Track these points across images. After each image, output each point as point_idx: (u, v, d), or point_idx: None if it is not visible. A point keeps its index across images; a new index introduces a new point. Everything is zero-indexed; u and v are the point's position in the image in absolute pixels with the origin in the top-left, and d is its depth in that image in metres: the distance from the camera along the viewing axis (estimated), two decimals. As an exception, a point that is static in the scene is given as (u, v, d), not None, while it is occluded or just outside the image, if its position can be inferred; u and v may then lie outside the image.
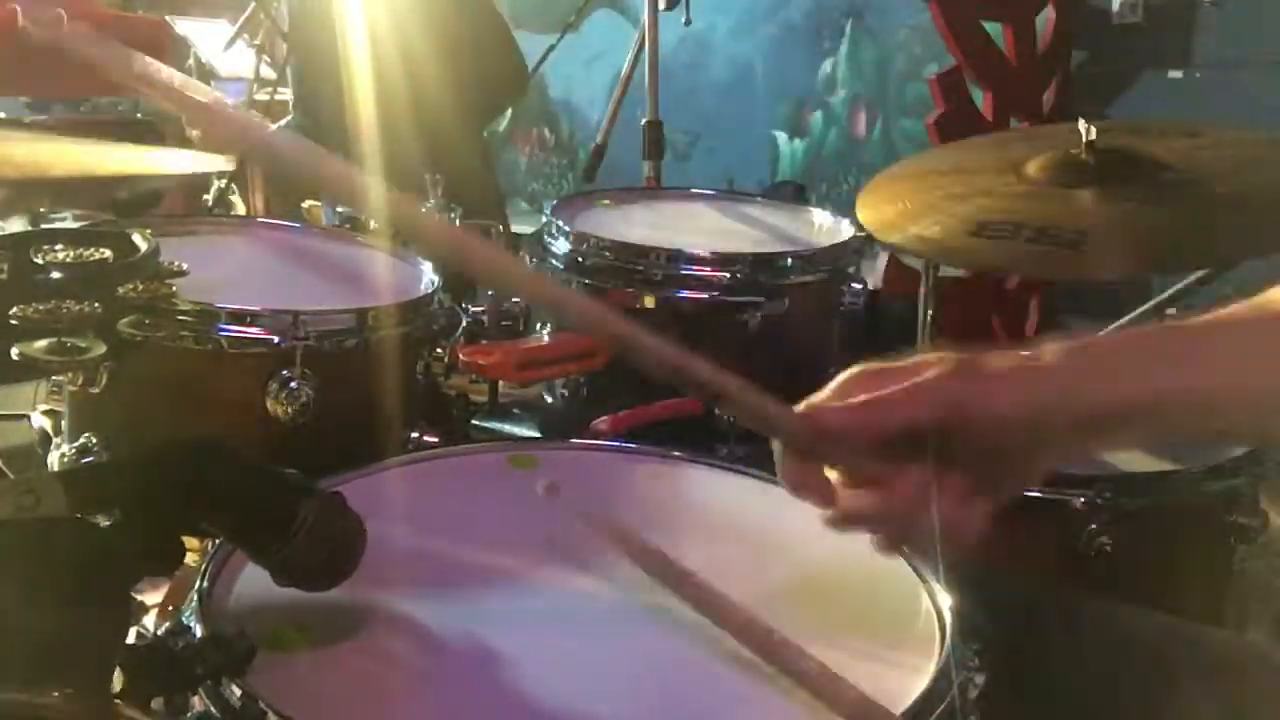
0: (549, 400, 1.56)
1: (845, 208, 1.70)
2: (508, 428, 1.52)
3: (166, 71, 0.77)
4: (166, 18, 3.08)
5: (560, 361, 1.42)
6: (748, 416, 0.78)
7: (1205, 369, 0.73)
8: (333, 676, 0.74)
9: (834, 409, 0.75)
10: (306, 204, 2.09)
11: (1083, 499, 1.18)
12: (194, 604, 0.78)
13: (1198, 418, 0.75)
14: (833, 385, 0.77)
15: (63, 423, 1.27)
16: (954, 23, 2.98)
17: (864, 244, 1.62)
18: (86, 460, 1.17)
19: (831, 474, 0.78)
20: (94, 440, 1.19)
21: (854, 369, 0.77)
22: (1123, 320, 2.74)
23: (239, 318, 1.15)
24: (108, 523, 0.66)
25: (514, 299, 1.48)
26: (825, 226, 1.72)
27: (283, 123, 2.46)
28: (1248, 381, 0.73)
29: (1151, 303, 2.75)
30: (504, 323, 1.50)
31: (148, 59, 0.74)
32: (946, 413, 0.72)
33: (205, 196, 2.65)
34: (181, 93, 0.78)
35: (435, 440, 1.23)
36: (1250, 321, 0.75)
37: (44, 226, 1.88)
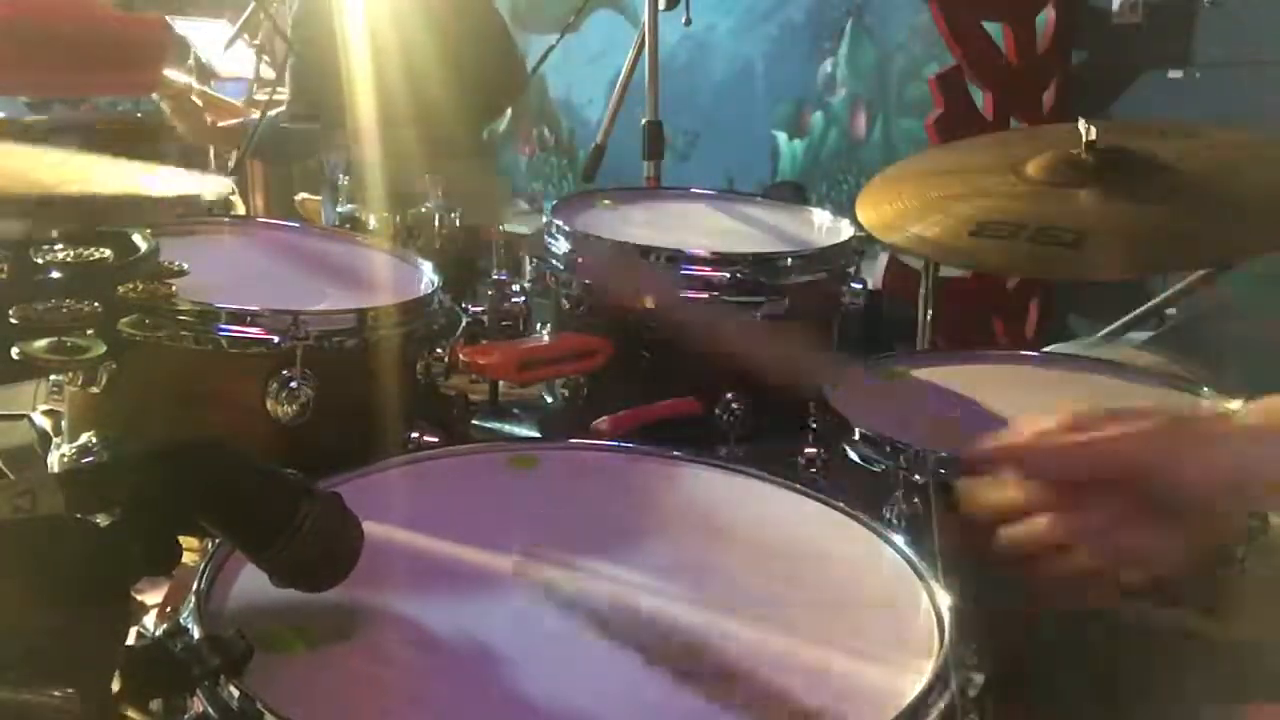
0: (549, 400, 1.56)
1: (845, 208, 1.70)
2: (508, 428, 1.52)
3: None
4: (166, 18, 3.07)
5: (560, 361, 1.42)
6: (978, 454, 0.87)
7: None
8: (331, 677, 0.74)
9: (1050, 444, 0.82)
10: (300, 196, 2.09)
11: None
12: (192, 605, 0.78)
13: None
14: (1054, 419, 0.84)
15: (63, 423, 1.27)
16: (954, 23, 2.98)
17: (864, 244, 1.62)
18: (86, 460, 1.17)
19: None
20: (94, 440, 1.18)
21: (1076, 411, 0.84)
22: (1123, 320, 2.75)
23: (239, 318, 1.15)
24: (107, 523, 0.66)
25: (514, 298, 1.48)
26: (825, 226, 1.72)
27: (274, 112, 2.45)
28: None
29: (1151, 303, 2.76)
30: (504, 323, 1.50)
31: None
32: (1153, 461, 0.79)
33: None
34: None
35: (435, 440, 1.23)
36: None
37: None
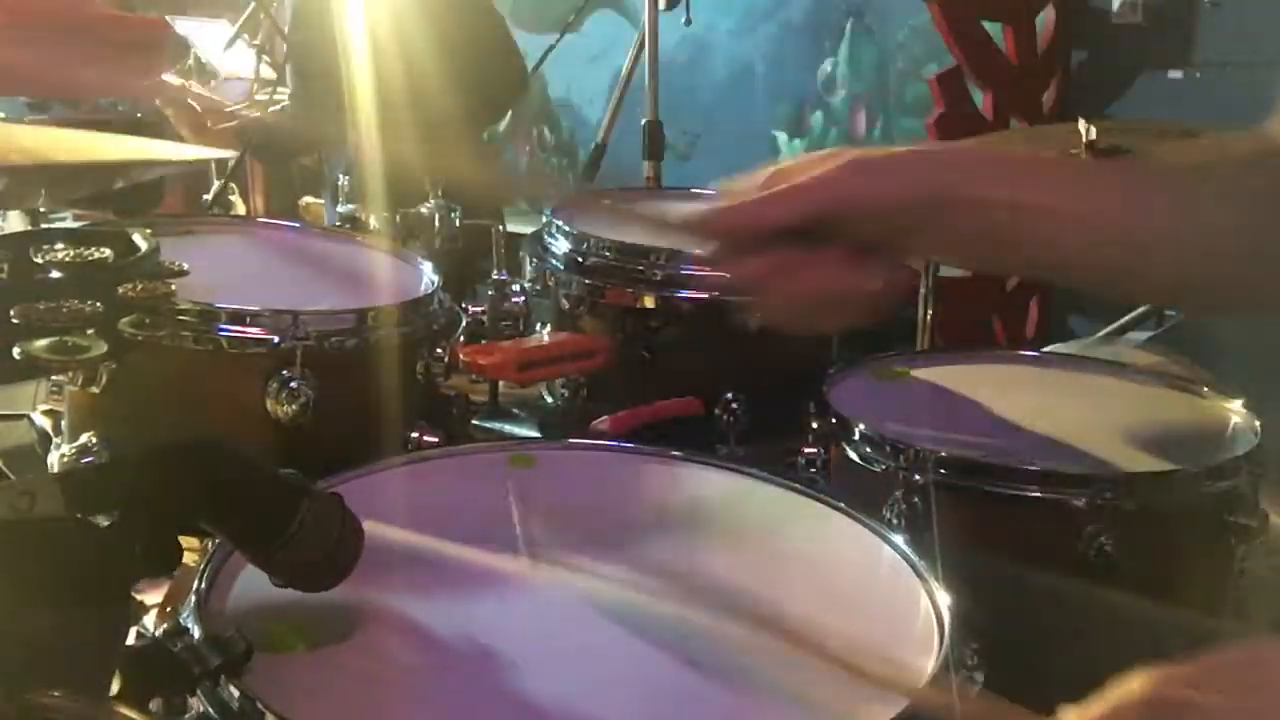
0: (549, 400, 1.56)
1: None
2: (508, 428, 1.52)
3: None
4: (166, 18, 3.07)
5: (560, 361, 1.42)
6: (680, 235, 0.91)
7: (1042, 191, 0.82)
8: (331, 677, 0.74)
9: (739, 204, 0.84)
10: (305, 201, 2.09)
11: (1083, 499, 1.18)
12: (192, 605, 0.78)
13: (1039, 232, 0.82)
14: (756, 178, 0.86)
15: (63, 423, 1.27)
16: (954, 23, 2.98)
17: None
18: (86, 460, 1.17)
19: None
20: (94, 440, 1.18)
21: (770, 170, 0.86)
22: (1123, 320, 2.75)
23: (239, 318, 1.15)
24: (107, 523, 0.66)
25: (514, 298, 1.48)
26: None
27: (275, 108, 2.46)
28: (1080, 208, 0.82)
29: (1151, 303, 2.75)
30: (504, 323, 1.50)
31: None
32: (837, 205, 0.81)
33: (205, 196, 2.65)
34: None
35: (435, 440, 1.23)
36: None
37: (44, 226, 1.88)
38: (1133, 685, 0.65)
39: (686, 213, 0.89)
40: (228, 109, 2.71)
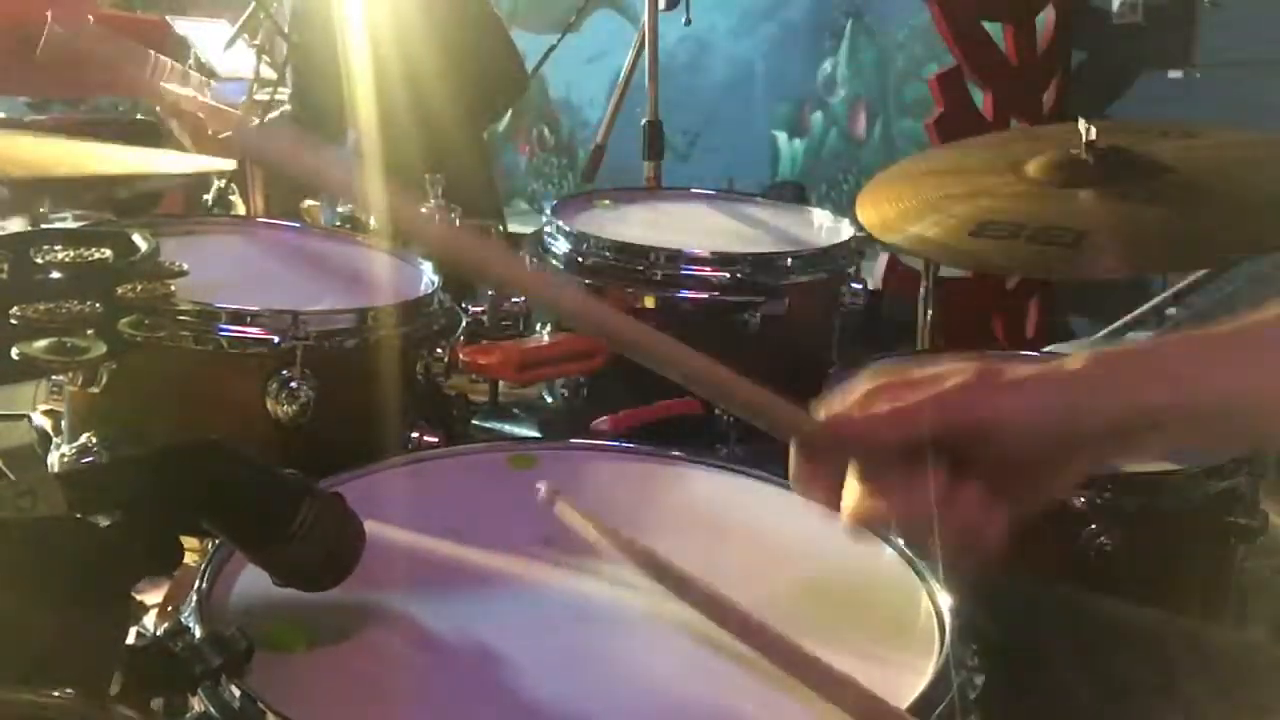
0: (549, 400, 1.56)
1: (845, 208, 1.70)
2: (508, 428, 1.52)
3: (178, 72, 0.78)
4: (166, 18, 3.07)
5: (560, 361, 1.42)
6: (761, 419, 0.77)
7: (1233, 373, 0.73)
8: (332, 676, 0.74)
9: (856, 419, 0.74)
10: (306, 204, 2.09)
11: (1083, 499, 1.18)
12: (193, 604, 0.78)
13: (1224, 422, 0.74)
14: (857, 393, 0.76)
15: (63, 423, 1.27)
16: (954, 23, 2.98)
17: (864, 244, 1.62)
18: (86, 460, 1.17)
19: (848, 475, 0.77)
20: (94, 440, 1.18)
21: (879, 379, 0.77)
22: (1123, 320, 2.75)
23: (239, 318, 1.15)
24: (107, 523, 0.66)
25: (514, 298, 1.48)
26: (825, 226, 1.72)
27: (276, 113, 2.46)
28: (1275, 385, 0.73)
29: (1151, 303, 2.76)
30: (504, 323, 1.50)
31: (162, 60, 0.75)
32: (966, 425, 0.72)
33: (205, 196, 2.65)
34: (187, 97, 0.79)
35: (435, 440, 1.23)
36: (1274, 325, 0.74)
37: (44, 226, 1.88)
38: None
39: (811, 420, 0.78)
40: (229, 111, 2.71)
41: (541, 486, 0.88)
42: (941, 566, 0.82)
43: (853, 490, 0.76)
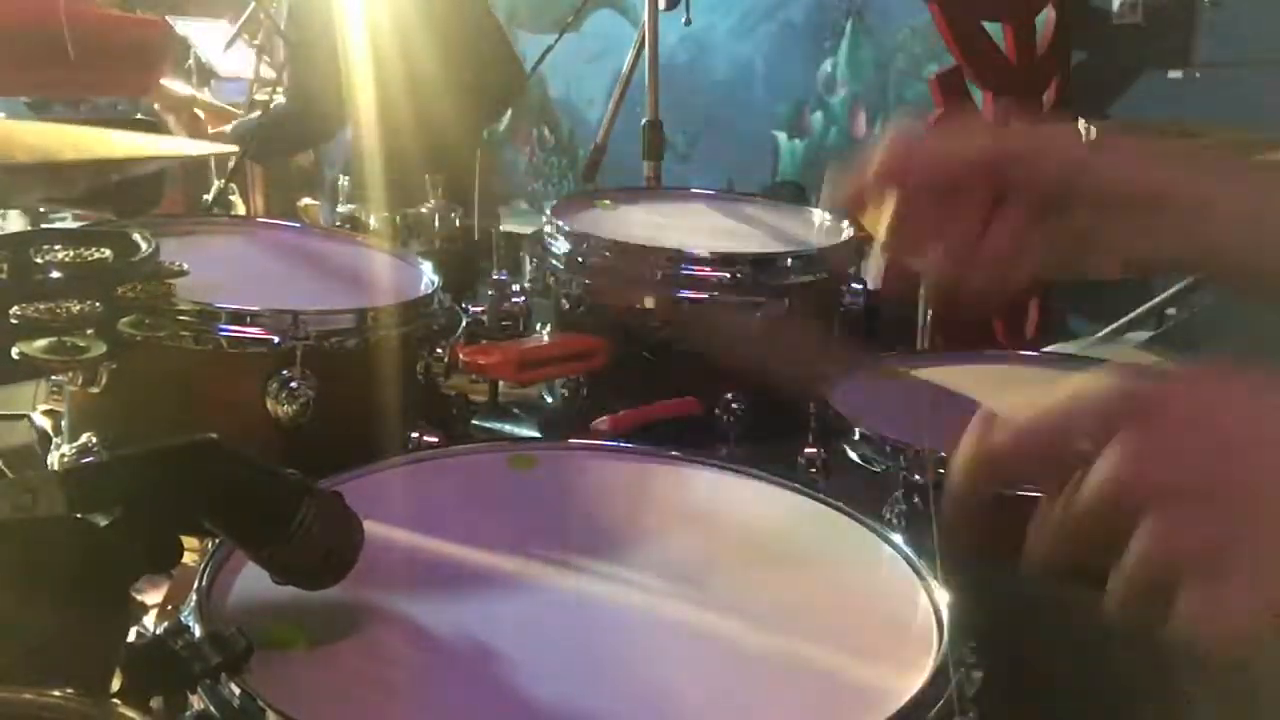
0: (549, 400, 1.56)
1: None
2: (508, 428, 1.52)
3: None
4: (166, 18, 3.08)
5: (560, 361, 1.42)
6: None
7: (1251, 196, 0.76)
8: (331, 675, 0.74)
9: (920, 146, 0.77)
10: (303, 203, 2.09)
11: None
12: (193, 603, 0.78)
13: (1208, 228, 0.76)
14: (882, 137, 0.79)
15: (63, 423, 1.28)
16: (954, 23, 2.98)
17: (864, 244, 1.62)
18: (86, 460, 1.17)
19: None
20: (94, 440, 1.19)
21: (892, 126, 0.80)
22: (1123, 320, 2.75)
23: (239, 318, 1.15)
24: (107, 522, 0.66)
25: (514, 298, 1.48)
26: (825, 226, 1.72)
27: (258, 114, 2.46)
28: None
29: (1151, 303, 2.76)
30: (504, 323, 1.50)
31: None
32: (1015, 150, 0.75)
33: (205, 196, 2.65)
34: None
35: (435, 440, 1.23)
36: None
37: (44, 226, 1.88)
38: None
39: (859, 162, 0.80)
40: (227, 110, 2.71)
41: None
42: (939, 565, 0.82)
43: (889, 213, 0.78)
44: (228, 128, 2.55)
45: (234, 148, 2.33)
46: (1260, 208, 0.76)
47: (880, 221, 0.79)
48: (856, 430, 1.19)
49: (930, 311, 1.87)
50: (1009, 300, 3.12)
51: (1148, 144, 0.80)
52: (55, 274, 0.84)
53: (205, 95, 2.84)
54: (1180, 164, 0.77)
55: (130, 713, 0.61)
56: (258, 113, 2.44)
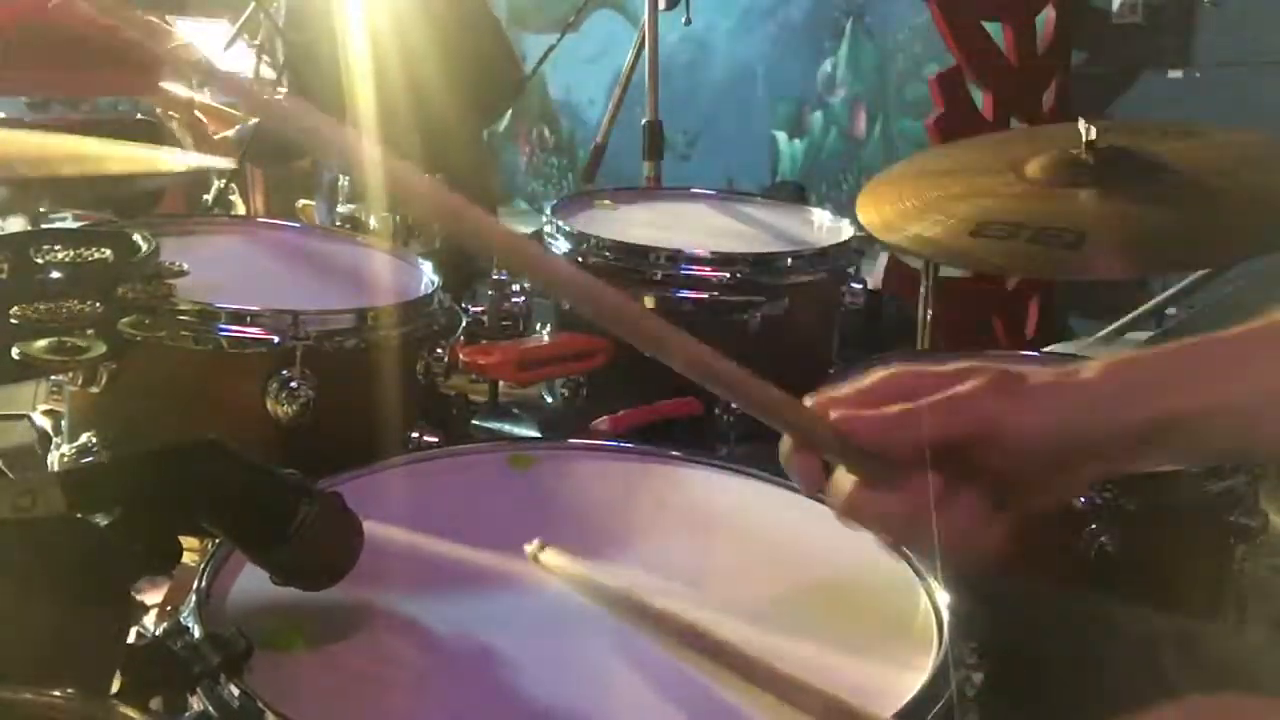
0: (549, 400, 1.56)
1: (845, 208, 1.70)
2: (508, 428, 1.52)
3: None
4: (167, 18, 3.07)
5: (560, 361, 1.42)
6: (763, 412, 0.76)
7: (1245, 382, 0.72)
8: (331, 676, 0.74)
9: (867, 418, 0.73)
10: (301, 203, 2.09)
11: (1083, 499, 1.18)
12: (192, 604, 0.78)
13: (1237, 432, 0.74)
14: (866, 384, 0.76)
15: (63, 423, 1.28)
16: (954, 23, 2.98)
17: (864, 244, 1.62)
18: (86, 460, 1.17)
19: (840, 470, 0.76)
20: (94, 440, 1.19)
21: (889, 370, 0.76)
22: (1123, 320, 2.75)
23: (239, 318, 1.15)
24: (107, 522, 0.66)
25: (514, 297, 1.48)
26: (825, 226, 1.72)
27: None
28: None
29: (1151, 303, 2.76)
30: (504, 323, 1.50)
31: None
32: (980, 429, 0.71)
33: (205, 196, 2.65)
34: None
35: (435, 440, 1.23)
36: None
37: (44, 226, 1.88)
38: None
39: (801, 406, 0.76)
40: (228, 112, 2.71)
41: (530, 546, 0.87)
42: (938, 564, 0.82)
43: (844, 482, 0.75)
44: (231, 133, 2.55)
45: (231, 162, 2.32)
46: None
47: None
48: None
49: (930, 311, 1.87)
50: (1008, 300, 3.13)
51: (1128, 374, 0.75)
52: (55, 274, 0.83)
53: (203, 96, 2.83)
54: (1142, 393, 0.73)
55: (130, 713, 0.61)
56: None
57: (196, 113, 2.66)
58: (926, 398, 0.72)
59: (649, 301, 1.46)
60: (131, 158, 1.59)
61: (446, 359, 1.30)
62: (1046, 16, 3.13)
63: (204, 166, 2.20)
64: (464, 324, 1.37)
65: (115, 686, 0.64)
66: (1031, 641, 0.96)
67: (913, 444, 0.71)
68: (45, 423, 1.34)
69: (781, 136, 4.11)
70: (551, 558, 0.86)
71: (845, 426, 0.73)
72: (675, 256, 1.47)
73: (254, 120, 2.35)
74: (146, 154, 1.70)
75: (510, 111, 4.64)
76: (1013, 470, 0.72)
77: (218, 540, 0.84)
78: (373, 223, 1.72)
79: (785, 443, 0.77)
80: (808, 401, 0.77)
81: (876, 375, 0.76)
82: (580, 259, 1.51)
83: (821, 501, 0.79)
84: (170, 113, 2.67)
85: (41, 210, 2.14)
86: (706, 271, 1.47)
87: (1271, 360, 0.73)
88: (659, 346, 0.74)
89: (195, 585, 0.80)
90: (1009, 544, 0.74)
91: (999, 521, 0.73)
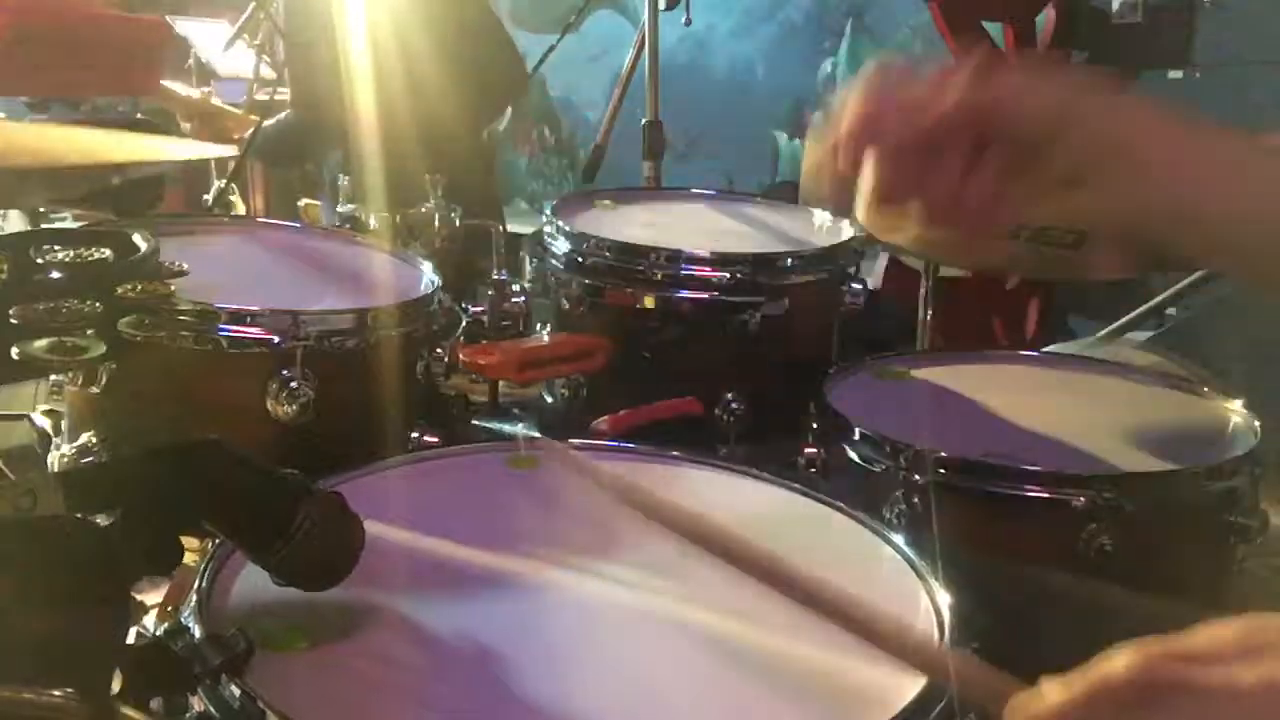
0: (549, 400, 1.56)
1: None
2: (508, 428, 1.52)
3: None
4: (166, 18, 3.07)
5: (560, 361, 1.42)
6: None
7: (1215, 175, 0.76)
8: (331, 676, 0.74)
9: (885, 110, 0.75)
10: (304, 203, 2.09)
11: (1083, 499, 1.18)
12: (193, 604, 0.78)
13: (1178, 219, 0.77)
14: (860, 83, 0.77)
15: (63, 423, 1.27)
16: (954, 23, 2.98)
17: (864, 244, 1.62)
18: (86, 460, 1.17)
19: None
20: (94, 440, 1.18)
21: (874, 68, 0.78)
22: (1123, 320, 2.75)
23: (239, 318, 1.15)
24: (107, 523, 0.66)
25: (514, 298, 1.48)
26: (825, 226, 1.72)
27: (279, 117, 2.46)
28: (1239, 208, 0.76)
29: (1151, 303, 2.76)
30: (504, 323, 1.50)
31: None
32: (984, 102, 0.74)
33: (205, 196, 2.65)
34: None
35: (435, 440, 1.23)
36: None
37: (44, 226, 1.88)
38: (1118, 661, 0.61)
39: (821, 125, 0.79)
40: (234, 113, 2.71)
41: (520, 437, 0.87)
42: (929, 558, 0.82)
43: (870, 175, 0.76)
44: (245, 135, 2.55)
45: (232, 148, 2.32)
46: (1248, 184, 0.76)
47: (861, 183, 0.78)
48: (856, 430, 1.19)
49: (930, 311, 1.87)
50: (1008, 300, 3.12)
51: (1140, 99, 0.80)
52: (55, 274, 0.83)
53: (214, 97, 2.83)
54: (1164, 122, 0.78)
55: (130, 713, 0.61)
56: (271, 120, 2.43)
57: (205, 113, 2.66)
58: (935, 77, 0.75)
59: (649, 301, 1.46)
60: (132, 148, 1.59)
61: (446, 359, 1.30)
62: (1046, 16, 3.13)
63: (203, 156, 2.20)
64: (464, 324, 1.37)
65: (115, 686, 0.64)
66: (1031, 641, 0.96)
67: (935, 123, 0.74)
68: (45, 423, 1.34)
69: (781, 136, 4.11)
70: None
71: (866, 120, 0.75)
72: (675, 256, 1.47)
73: (265, 122, 2.35)
74: (147, 144, 1.69)
75: (510, 111, 4.64)
76: (1016, 138, 0.75)
77: (218, 540, 0.84)
78: (373, 223, 1.72)
79: (810, 159, 0.80)
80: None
81: (863, 76, 0.77)
82: (580, 259, 1.51)
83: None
84: (180, 115, 2.67)
85: (41, 210, 2.14)
86: (706, 271, 1.47)
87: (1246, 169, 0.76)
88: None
89: (195, 585, 0.80)
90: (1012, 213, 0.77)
91: (1011, 191, 0.76)
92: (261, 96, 2.78)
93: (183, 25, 3.17)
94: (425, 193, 1.75)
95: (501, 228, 1.76)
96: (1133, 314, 2.75)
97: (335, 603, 0.77)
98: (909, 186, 0.76)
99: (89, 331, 0.82)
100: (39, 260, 0.83)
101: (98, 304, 0.83)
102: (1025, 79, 0.76)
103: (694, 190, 1.94)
